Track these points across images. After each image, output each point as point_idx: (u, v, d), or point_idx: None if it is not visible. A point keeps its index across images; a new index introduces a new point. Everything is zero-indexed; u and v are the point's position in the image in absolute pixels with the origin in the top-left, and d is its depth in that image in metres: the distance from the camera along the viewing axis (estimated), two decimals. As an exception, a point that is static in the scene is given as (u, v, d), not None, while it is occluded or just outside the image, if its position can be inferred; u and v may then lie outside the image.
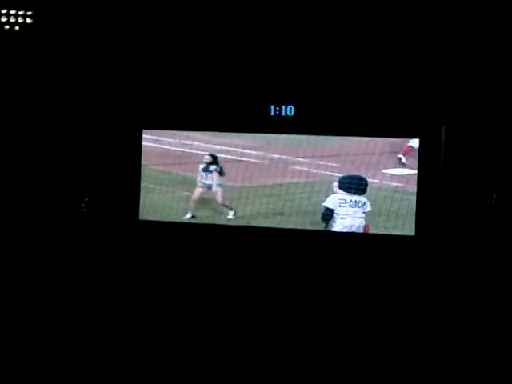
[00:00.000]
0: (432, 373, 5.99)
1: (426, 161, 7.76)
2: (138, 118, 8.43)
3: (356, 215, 7.92)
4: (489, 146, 7.74)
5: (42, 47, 8.39)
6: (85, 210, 8.49)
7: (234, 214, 8.24)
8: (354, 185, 7.92)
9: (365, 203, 7.89)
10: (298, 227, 8.03)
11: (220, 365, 6.06)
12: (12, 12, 8.12)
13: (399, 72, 7.88)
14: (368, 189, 7.90)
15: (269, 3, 8.00)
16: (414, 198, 7.79)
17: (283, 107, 8.10)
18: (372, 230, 7.91)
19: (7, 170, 8.44)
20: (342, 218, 7.94)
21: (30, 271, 7.91)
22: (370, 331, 6.76)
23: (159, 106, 8.37)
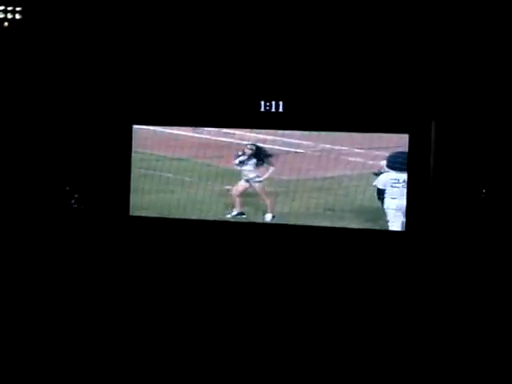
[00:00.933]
0: (424, 368, 6.00)
1: (415, 156, 7.75)
2: (128, 114, 8.42)
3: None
4: (479, 142, 7.73)
5: (32, 43, 8.37)
6: (75, 205, 8.49)
7: (273, 217, 7.89)
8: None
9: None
10: (353, 226, 7.66)
11: (221, 364, 6.05)
12: (1, 8, 8.10)
13: (389, 67, 7.86)
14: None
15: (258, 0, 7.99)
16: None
17: (273, 103, 8.10)
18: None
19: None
20: (392, 199, 7.71)
21: (20, 267, 7.90)
22: (364, 327, 6.76)
23: (149, 101, 8.37)
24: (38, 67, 8.42)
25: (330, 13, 7.89)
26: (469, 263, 7.55)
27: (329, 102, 7.96)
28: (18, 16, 8.12)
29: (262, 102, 8.10)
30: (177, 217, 8.28)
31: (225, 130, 8.08)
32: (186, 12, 8.17)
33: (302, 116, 8.00)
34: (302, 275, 7.74)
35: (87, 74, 8.42)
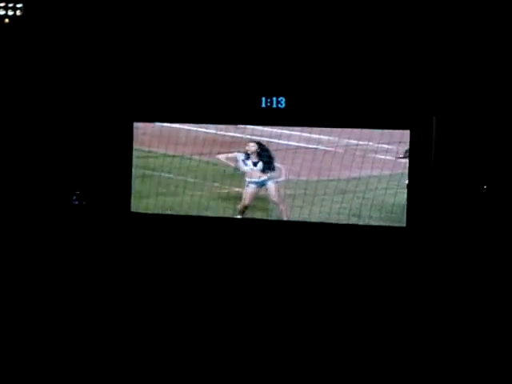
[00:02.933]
0: (425, 365, 6.01)
1: (416, 152, 7.75)
2: (129, 110, 8.41)
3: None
4: (480, 137, 7.73)
5: (33, 40, 8.36)
6: (76, 202, 8.49)
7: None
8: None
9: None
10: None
11: (224, 361, 6.06)
12: (1, 4, 8.09)
13: (389, 63, 7.86)
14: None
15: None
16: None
17: (274, 99, 8.09)
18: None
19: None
20: None
21: (21, 265, 7.90)
22: (364, 325, 6.77)
23: (150, 98, 8.36)
24: (38, 64, 8.41)
25: (333, 8, 7.89)
26: (470, 259, 7.55)
27: (330, 97, 7.95)
28: (18, 13, 8.11)
29: (263, 99, 8.09)
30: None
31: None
32: (187, 9, 8.17)
33: (304, 112, 7.99)
34: (305, 271, 7.76)
35: (88, 71, 8.42)
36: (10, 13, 8.09)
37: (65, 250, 8.16)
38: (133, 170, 8.30)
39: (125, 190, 8.43)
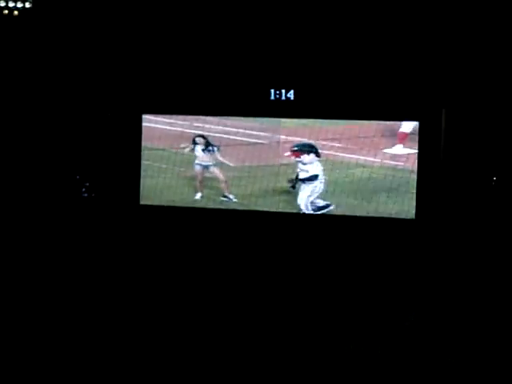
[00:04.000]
0: (431, 359, 6.01)
1: (426, 144, 7.75)
2: (138, 103, 8.43)
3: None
4: (489, 129, 7.72)
5: (41, 32, 8.38)
6: (85, 194, 8.51)
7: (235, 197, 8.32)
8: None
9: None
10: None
11: (226, 359, 6.06)
12: (11, -3, 8.10)
13: (399, 56, 7.85)
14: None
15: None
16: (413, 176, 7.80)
17: (283, 91, 8.09)
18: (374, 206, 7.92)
19: (8, 156, 8.46)
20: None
21: (32, 256, 7.92)
22: (372, 316, 6.77)
23: (159, 91, 8.37)
24: (48, 56, 8.42)
25: (339, 5, 7.89)
26: (479, 250, 7.55)
27: (338, 90, 7.95)
28: (27, 5, 8.10)
29: (272, 91, 8.10)
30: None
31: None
32: (197, 4, 8.17)
33: (312, 104, 8.00)
34: (310, 263, 7.77)
35: (98, 65, 8.43)
36: (20, 5, 8.08)
37: (74, 241, 8.18)
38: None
39: (134, 183, 8.45)
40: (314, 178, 8.12)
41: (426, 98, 7.78)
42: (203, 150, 8.36)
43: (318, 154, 8.07)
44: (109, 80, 8.45)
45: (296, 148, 8.11)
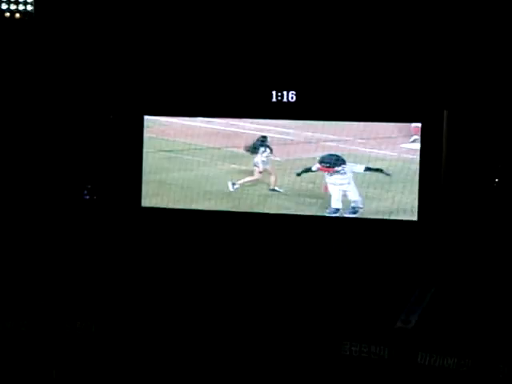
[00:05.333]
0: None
1: (428, 145, 7.74)
2: (140, 105, 8.42)
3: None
4: (491, 131, 7.71)
5: (43, 35, 8.39)
6: (87, 197, 8.51)
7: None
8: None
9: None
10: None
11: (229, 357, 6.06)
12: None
13: (401, 57, 7.85)
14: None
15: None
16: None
17: (285, 93, 8.09)
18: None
19: (10, 158, 8.46)
20: None
21: (34, 258, 7.92)
22: (374, 314, 6.77)
23: (160, 92, 8.37)
24: (50, 59, 8.44)
25: (341, 5, 7.89)
26: (481, 250, 7.53)
27: (340, 91, 7.95)
28: (29, 7, 8.12)
29: (274, 92, 8.10)
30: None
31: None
32: (199, 5, 8.18)
33: (314, 106, 7.99)
34: (317, 264, 7.77)
35: (99, 67, 8.44)
36: (21, 8, 8.10)
37: (76, 242, 8.17)
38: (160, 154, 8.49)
39: (135, 185, 8.43)
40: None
41: (428, 100, 7.77)
42: (263, 149, 8.32)
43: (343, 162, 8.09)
44: (111, 82, 8.45)
45: (325, 163, 8.15)
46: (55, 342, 6.26)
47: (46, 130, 8.49)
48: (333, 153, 8.10)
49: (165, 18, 8.25)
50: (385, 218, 7.87)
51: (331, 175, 8.10)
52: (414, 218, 7.76)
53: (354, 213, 8.01)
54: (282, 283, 7.42)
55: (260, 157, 8.31)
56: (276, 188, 8.26)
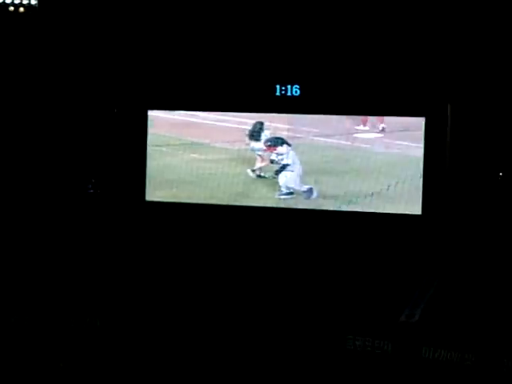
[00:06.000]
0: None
1: (431, 139, 7.73)
2: (144, 99, 8.43)
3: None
4: (495, 124, 7.70)
5: (47, 29, 8.39)
6: (91, 191, 8.52)
7: None
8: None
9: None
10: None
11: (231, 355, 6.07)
12: (17, -7, 8.12)
13: (405, 51, 7.84)
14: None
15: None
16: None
17: (289, 87, 8.08)
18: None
19: (14, 152, 8.48)
20: None
21: (38, 252, 7.94)
22: (377, 310, 6.78)
23: (164, 86, 8.37)
24: (53, 53, 8.44)
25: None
26: (485, 246, 7.53)
27: (344, 85, 7.94)
28: (33, 2, 8.12)
29: (278, 86, 8.09)
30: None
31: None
32: (201, 0, 8.18)
33: (318, 100, 7.99)
34: (322, 259, 7.78)
35: (103, 61, 8.44)
36: (25, 2, 8.09)
37: (80, 236, 8.19)
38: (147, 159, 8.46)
39: (139, 179, 8.44)
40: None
41: (431, 94, 7.76)
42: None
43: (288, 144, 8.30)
44: (115, 77, 8.46)
45: (269, 143, 8.35)
46: (62, 335, 6.28)
47: (50, 124, 8.50)
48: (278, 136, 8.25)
49: (170, 12, 8.24)
50: (386, 211, 7.92)
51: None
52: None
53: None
54: (286, 278, 7.42)
55: (261, 144, 8.32)
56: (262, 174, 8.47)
